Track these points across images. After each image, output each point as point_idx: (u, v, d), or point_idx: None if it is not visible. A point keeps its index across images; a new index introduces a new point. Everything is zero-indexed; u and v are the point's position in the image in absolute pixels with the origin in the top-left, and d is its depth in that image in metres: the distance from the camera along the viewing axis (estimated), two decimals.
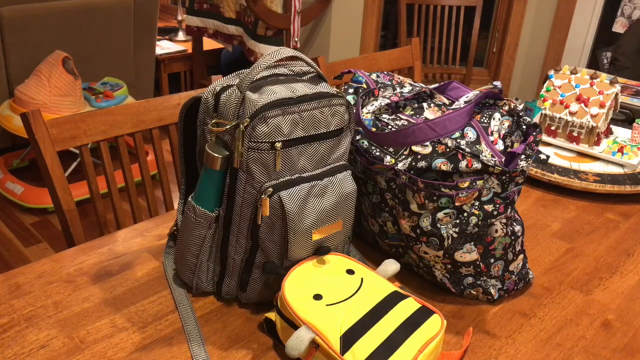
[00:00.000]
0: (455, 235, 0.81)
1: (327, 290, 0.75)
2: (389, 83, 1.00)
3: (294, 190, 0.75)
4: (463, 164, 0.79)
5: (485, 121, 0.83)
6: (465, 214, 0.80)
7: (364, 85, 1.00)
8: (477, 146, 0.80)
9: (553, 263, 0.99)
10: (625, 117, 1.63)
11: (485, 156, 0.79)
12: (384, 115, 0.90)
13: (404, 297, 0.76)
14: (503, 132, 0.83)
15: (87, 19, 2.75)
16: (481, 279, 0.86)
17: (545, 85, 1.41)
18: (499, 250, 0.85)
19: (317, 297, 0.74)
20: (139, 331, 0.78)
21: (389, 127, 0.88)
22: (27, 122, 1.06)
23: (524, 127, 0.82)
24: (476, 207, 0.80)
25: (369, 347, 0.68)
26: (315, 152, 0.78)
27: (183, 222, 0.81)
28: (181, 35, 3.71)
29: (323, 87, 0.79)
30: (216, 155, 0.76)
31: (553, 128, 1.39)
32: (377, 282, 0.78)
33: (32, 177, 2.75)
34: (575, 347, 0.80)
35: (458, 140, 0.81)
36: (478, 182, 0.79)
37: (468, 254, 0.83)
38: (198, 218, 0.79)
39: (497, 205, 0.81)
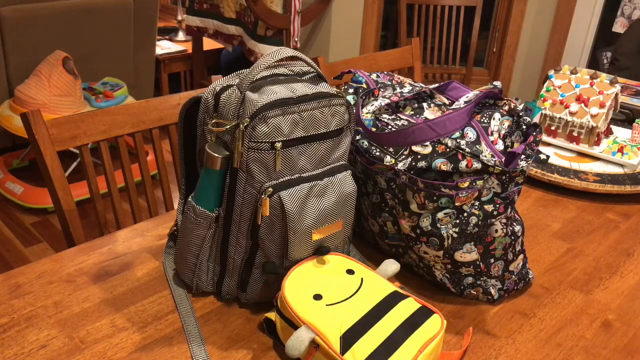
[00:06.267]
0: (455, 235, 0.81)
1: (327, 290, 0.75)
2: (389, 83, 1.00)
3: (294, 190, 0.75)
4: (463, 164, 0.79)
5: (485, 121, 0.83)
6: (465, 214, 0.80)
7: (364, 85, 1.00)
8: (477, 146, 0.80)
9: (553, 263, 0.99)
10: (625, 117, 1.63)
11: (485, 156, 0.79)
12: (384, 115, 0.90)
13: (404, 297, 0.76)
14: (503, 132, 0.83)
15: (87, 19, 2.75)
16: (481, 279, 0.86)
17: (545, 85, 1.41)
18: (499, 250, 0.85)
19: (317, 297, 0.74)
20: (139, 331, 0.78)
21: (389, 127, 0.88)
22: (27, 122, 1.06)
23: (524, 127, 0.82)
24: (476, 207, 0.80)
25: (369, 347, 0.68)
26: (315, 152, 0.78)
27: (183, 222, 0.81)
28: (181, 35, 3.71)
29: (323, 87, 0.79)
30: (216, 155, 0.76)
31: (553, 128, 1.39)
32: (377, 282, 0.78)
33: (32, 177, 2.75)
34: (575, 347, 0.80)
35: (458, 140, 0.81)
36: (478, 182, 0.79)
37: (468, 254, 0.83)
38: (198, 218, 0.79)
39: (497, 205, 0.81)
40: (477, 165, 0.78)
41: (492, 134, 0.82)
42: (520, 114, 0.83)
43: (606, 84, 1.35)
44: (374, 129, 0.89)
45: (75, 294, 0.84)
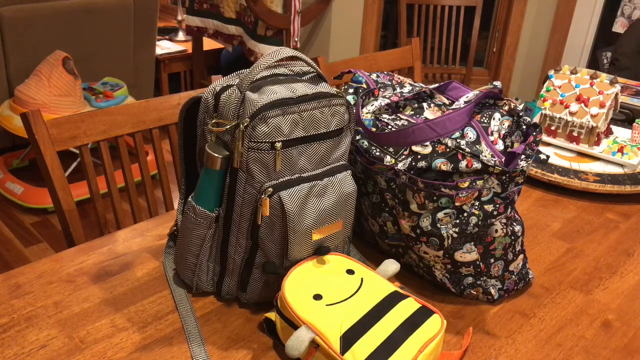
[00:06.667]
0: (455, 235, 0.81)
1: (327, 290, 0.75)
2: (389, 83, 1.00)
3: (294, 190, 0.75)
4: (463, 164, 0.79)
5: (485, 121, 0.83)
6: (465, 214, 0.80)
7: (364, 85, 1.00)
8: (477, 146, 0.80)
9: (553, 263, 0.99)
10: (625, 117, 1.63)
11: (485, 156, 0.79)
12: (384, 115, 0.90)
13: (404, 297, 0.76)
14: (503, 132, 0.83)
15: (87, 19, 2.75)
16: (481, 279, 0.86)
17: (545, 85, 1.41)
18: (499, 250, 0.85)
19: (317, 297, 0.74)
20: (139, 331, 0.78)
21: (389, 127, 0.88)
22: (27, 122, 1.06)
23: (524, 127, 0.82)
24: (476, 207, 0.80)
25: (369, 347, 0.68)
26: (315, 152, 0.78)
27: (183, 222, 0.81)
28: (181, 35, 3.71)
29: (323, 87, 0.79)
30: (216, 155, 0.76)
31: (553, 128, 1.39)
32: (377, 282, 0.78)
33: (32, 177, 2.75)
34: (575, 347, 0.80)
35: (458, 140, 0.81)
36: (478, 182, 0.79)
37: (468, 254, 0.83)
38: (198, 218, 0.79)
39: (497, 205, 0.81)
40: (477, 165, 0.78)
41: (492, 134, 0.82)
42: (520, 114, 0.83)
43: (606, 84, 1.35)
44: (374, 129, 0.89)
45: (75, 294, 0.84)
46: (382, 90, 0.96)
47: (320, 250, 0.80)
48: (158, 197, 2.60)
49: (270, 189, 0.74)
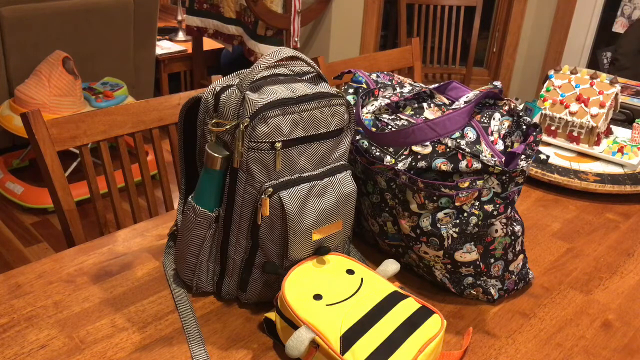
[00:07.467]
0: (455, 235, 0.81)
1: (327, 290, 0.75)
2: (389, 83, 1.00)
3: (294, 190, 0.75)
4: (463, 164, 0.79)
5: (485, 121, 0.83)
6: (465, 214, 0.80)
7: (364, 85, 1.00)
8: (477, 146, 0.80)
9: (553, 263, 0.99)
10: (625, 117, 1.63)
11: (485, 156, 0.79)
12: (384, 115, 0.90)
13: (404, 297, 0.76)
14: (503, 132, 0.83)
15: (87, 19, 2.75)
16: (481, 279, 0.86)
17: (545, 85, 1.41)
18: (499, 250, 0.85)
19: (317, 297, 0.74)
20: (139, 331, 0.78)
21: (389, 127, 0.88)
22: (27, 122, 1.06)
23: (524, 127, 0.82)
24: (476, 207, 0.80)
25: (369, 347, 0.68)
26: (315, 152, 0.78)
27: (183, 222, 0.81)
28: (181, 35, 3.71)
29: (323, 87, 0.79)
30: (216, 155, 0.76)
31: (553, 128, 1.39)
32: (377, 282, 0.78)
33: (32, 177, 2.75)
34: (575, 347, 0.80)
35: (458, 140, 0.81)
36: (478, 182, 0.79)
37: (468, 254, 0.83)
38: (198, 218, 0.79)
39: (497, 205, 0.81)
40: (477, 165, 0.78)
41: (492, 134, 0.82)
42: (520, 114, 0.83)
43: (606, 84, 1.35)
44: (374, 129, 0.89)
45: (75, 294, 0.84)
46: (382, 90, 0.96)
47: (320, 250, 0.80)
48: (158, 197, 2.60)
49: (270, 189, 0.74)
